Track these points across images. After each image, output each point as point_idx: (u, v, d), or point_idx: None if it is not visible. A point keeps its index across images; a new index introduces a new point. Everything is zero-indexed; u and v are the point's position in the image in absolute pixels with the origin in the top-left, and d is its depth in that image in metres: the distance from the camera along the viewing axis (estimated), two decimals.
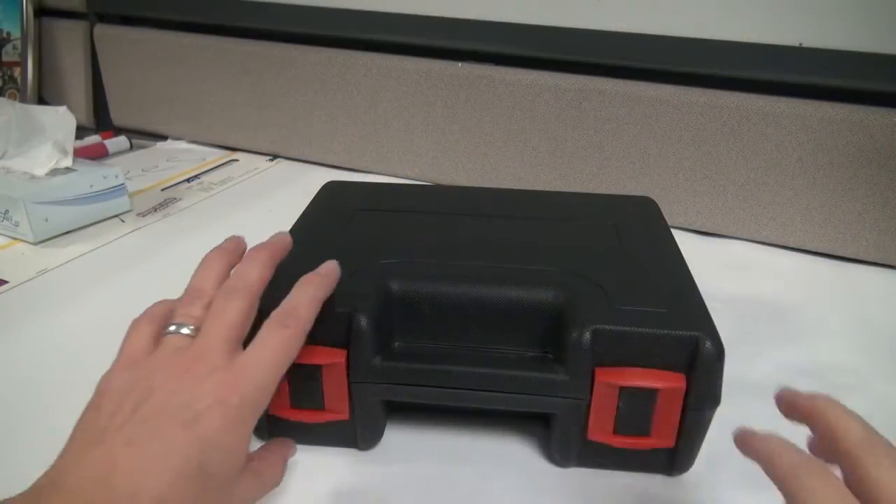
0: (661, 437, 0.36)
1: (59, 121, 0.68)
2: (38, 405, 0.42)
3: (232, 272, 0.35)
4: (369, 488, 0.37)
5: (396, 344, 0.38)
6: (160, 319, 0.34)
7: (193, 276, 0.35)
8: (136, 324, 0.34)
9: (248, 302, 0.32)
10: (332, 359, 0.36)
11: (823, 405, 0.28)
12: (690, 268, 0.42)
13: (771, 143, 0.62)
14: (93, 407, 0.29)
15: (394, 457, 0.39)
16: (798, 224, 0.64)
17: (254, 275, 0.34)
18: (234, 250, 0.37)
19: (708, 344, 0.33)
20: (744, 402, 0.36)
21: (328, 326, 0.35)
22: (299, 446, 0.39)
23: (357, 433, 0.38)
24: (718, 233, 0.68)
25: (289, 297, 0.33)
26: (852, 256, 0.64)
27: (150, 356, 0.31)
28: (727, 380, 0.35)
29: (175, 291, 0.56)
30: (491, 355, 0.37)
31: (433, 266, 0.39)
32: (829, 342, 0.51)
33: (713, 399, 0.34)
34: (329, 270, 0.36)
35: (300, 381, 0.37)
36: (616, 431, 0.36)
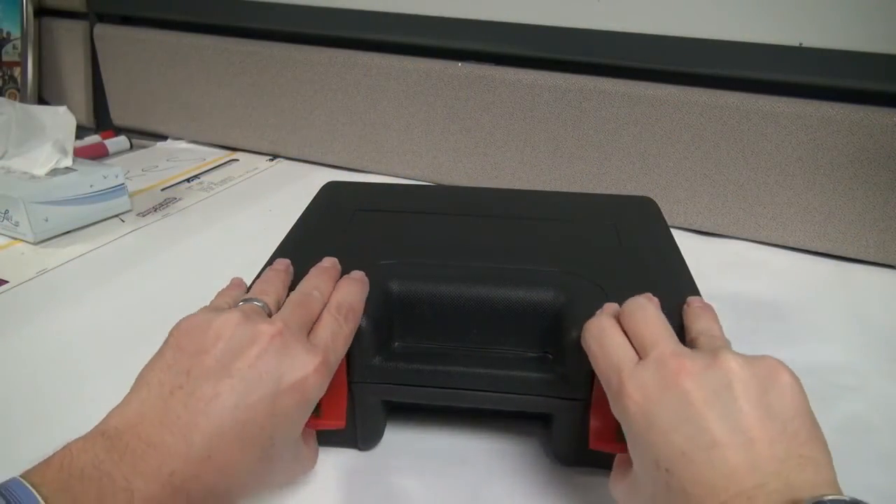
0: None
1: (59, 121, 0.68)
2: (37, 405, 0.42)
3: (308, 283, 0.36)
4: (370, 489, 0.37)
5: (396, 344, 0.38)
6: (239, 294, 0.35)
7: (254, 284, 0.36)
8: (220, 293, 0.36)
9: (321, 308, 0.34)
10: None
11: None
12: (690, 268, 0.42)
13: (771, 143, 0.62)
14: (173, 346, 0.30)
15: (394, 457, 0.39)
16: (798, 224, 0.64)
17: (326, 288, 0.35)
18: (287, 270, 0.38)
19: None
20: None
21: None
22: None
23: (357, 433, 0.38)
24: (718, 233, 0.68)
25: (339, 291, 0.35)
26: (852, 256, 0.64)
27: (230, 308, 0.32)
28: None
29: (175, 291, 0.56)
30: (490, 355, 0.37)
31: (433, 267, 0.39)
32: (828, 342, 0.51)
33: None
34: (362, 276, 0.37)
35: None
36: (619, 439, 0.32)
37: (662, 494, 0.26)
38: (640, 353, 0.30)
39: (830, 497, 0.23)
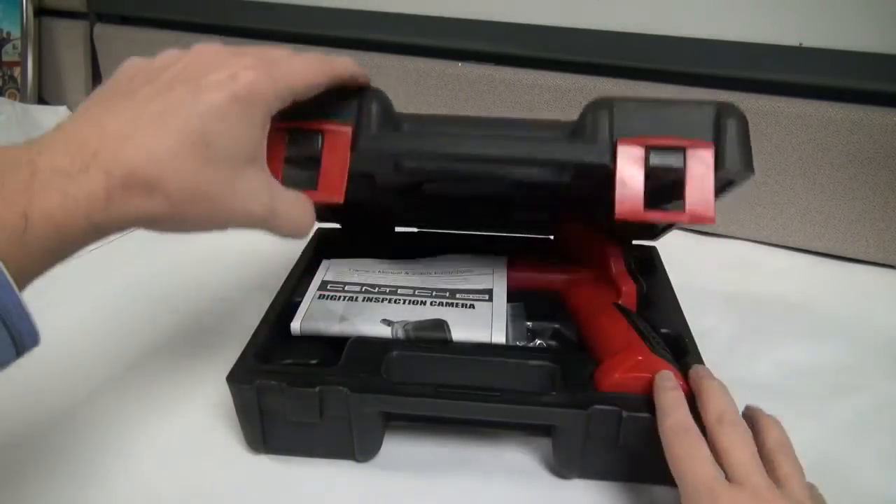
0: (698, 206, 0.32)
1: (59, 121, 0.68)
2: (37, 405, 0.42)
3: None
4: (367, 500, 0.36)
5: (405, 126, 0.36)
6: None
7: None
8: None
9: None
10: (336, 127, 0.33)
11: (698, 379, 0.35)
12: (690, 268, 0.42)
13: (771, 143, 0.62)
14: (111, 80, 0.30)
15: (392, 468, 0.38)
16: (798, 224, 0.64)
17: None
18: None
19: (731, 110, 0.33)
20: (746, 402, 0.36)
21: (336, 104, 0.34)
22: (295, 459, 0.38)
23: (355, 444, 0.38)
24: (718, 233, 0.68)
25: None
26: (853, 256, 0.64)
27: None
28: (728, 381, 0.35)
29: (174, 292, 0.56)
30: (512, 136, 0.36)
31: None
32: (829, 342, 0.51)
33: (746, 164, 0.32)
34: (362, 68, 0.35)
35: (298, 147, 0.33)
36: (648, 205, 0.32)
37: None
38: (729, 474, 0.30)
39: None
